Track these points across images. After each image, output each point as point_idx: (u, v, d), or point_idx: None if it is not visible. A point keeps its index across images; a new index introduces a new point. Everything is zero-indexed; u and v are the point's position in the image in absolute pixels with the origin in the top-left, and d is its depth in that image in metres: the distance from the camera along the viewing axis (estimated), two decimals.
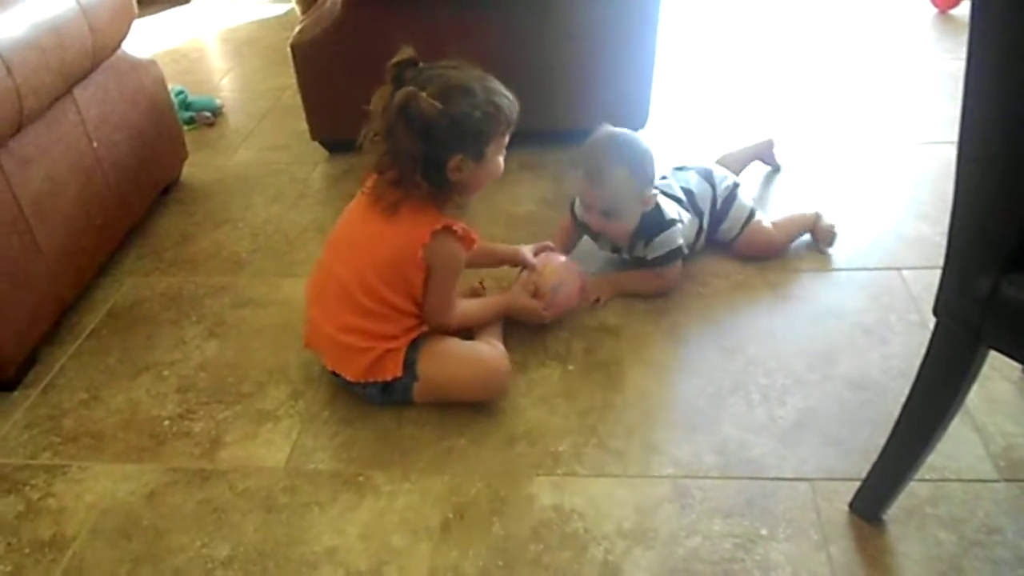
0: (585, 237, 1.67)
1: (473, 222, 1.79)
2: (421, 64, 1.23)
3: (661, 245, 1.52)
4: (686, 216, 1.57)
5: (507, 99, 1.26)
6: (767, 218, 1.68)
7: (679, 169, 1.68)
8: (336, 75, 2.01)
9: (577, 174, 1.51)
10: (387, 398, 1.35)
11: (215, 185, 2.11)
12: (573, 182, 1.55)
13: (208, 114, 2.43)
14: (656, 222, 1.52)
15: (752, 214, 1.64)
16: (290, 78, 2.09)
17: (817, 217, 1.69)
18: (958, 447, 1.20)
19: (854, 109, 2.24)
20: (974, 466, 1.18)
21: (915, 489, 1.13)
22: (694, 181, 1.63)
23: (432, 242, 1.26)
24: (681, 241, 1.52)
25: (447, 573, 1.09)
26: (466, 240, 1.31)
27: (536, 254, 1.56)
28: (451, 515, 1.18)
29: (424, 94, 1.17)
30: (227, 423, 1.37)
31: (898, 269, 1.60)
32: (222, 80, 2.78)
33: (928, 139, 2.04)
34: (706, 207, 1.62)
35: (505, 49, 1.96)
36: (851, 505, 1.13)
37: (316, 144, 2.18)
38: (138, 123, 1.84)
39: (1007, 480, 1.16)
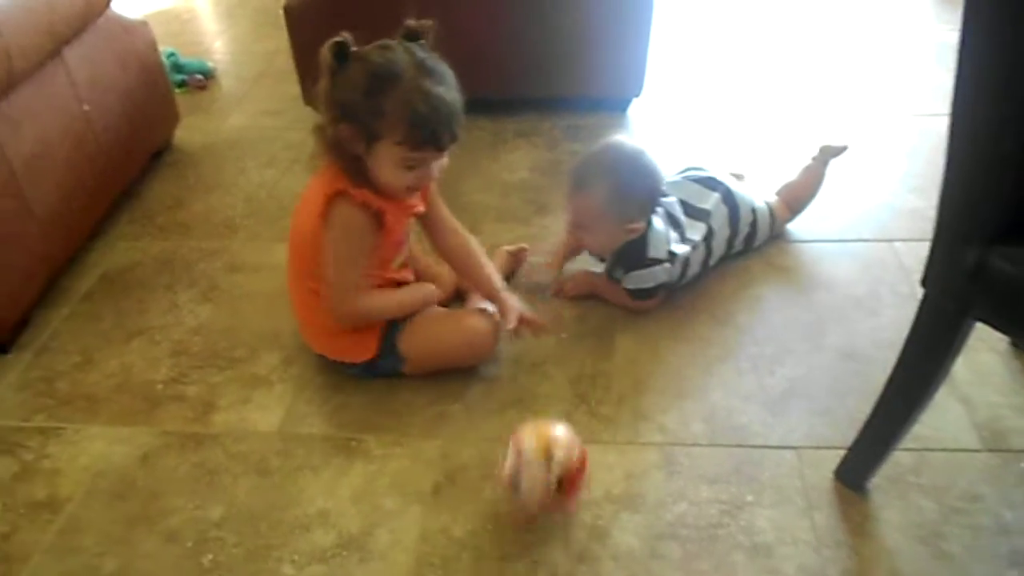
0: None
1: (466, 190, 1.81)
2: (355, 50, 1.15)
3: (636, 280, 1.42)
4: (682, 249, 1.43)
5: (438, 112, 1.08)
6: (773, 195, 1.63)
7: (700, 182, 1.53)
8: (330, 39, 1.98)
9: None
10: (374, 373, 1.34)
11: (207, 149, 2.09)
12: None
13: (200, 77, 2.40)
14: (637, 256, 1.40)
15: (770, 208, 1.58)
16: (283, 41, 2.07)
17: (822, 162, 1.63)
18: (943, 417, 1.22)
19: (850, 80, 2.23)
20: (958, 436, 1.20)
21: (899, 458, 1.14)
22: (712, 202, 1.50)
23: (326, 211, 1.16)
24: (663, 279, 1.41)
25: (437, 536, 1.11)
26: (370, 210, 1.17)
27: (515, 254, 1.54)
28: (442, 479, 1.19)
29: (355, 49, 1.13)
30: (220, 387, 1.37)
31: (890, 241, 1.60)
32: (214, 43, 2.74)
33: (924, 111, 2.04)
34: (720, 224, 1.50)
35: (499, 15, 1.93)
36: (836, 473, 1.15)
37: (310, 109, 2.16)
38: (129, 85, 1.82)
39: (990, 450, 1.18)
